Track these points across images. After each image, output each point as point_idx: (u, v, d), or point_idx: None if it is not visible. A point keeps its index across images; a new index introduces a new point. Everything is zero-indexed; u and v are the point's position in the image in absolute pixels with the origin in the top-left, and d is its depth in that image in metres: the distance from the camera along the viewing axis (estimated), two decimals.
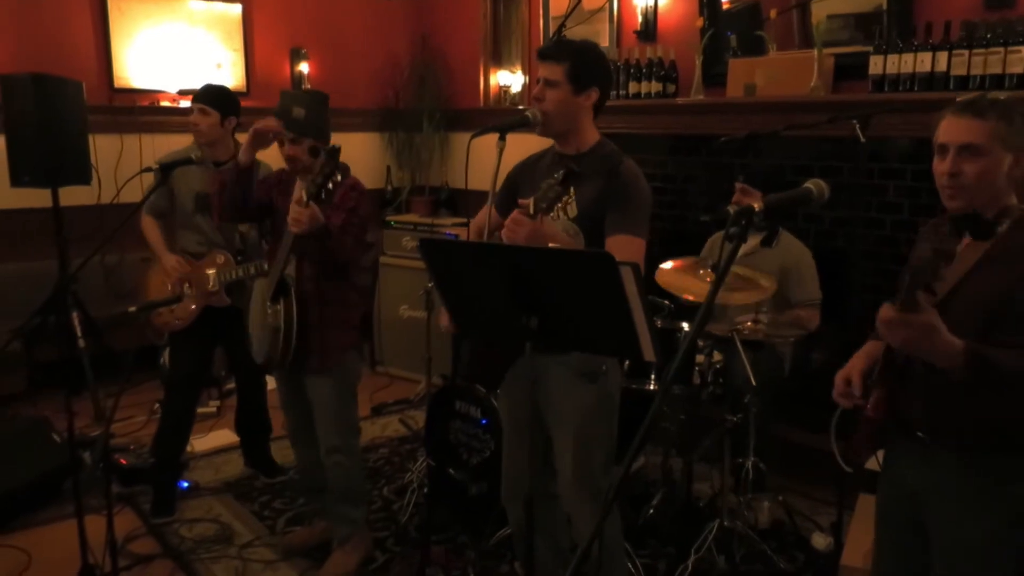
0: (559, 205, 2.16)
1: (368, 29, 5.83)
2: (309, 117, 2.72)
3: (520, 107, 5.34)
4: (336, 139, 2.90)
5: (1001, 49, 3.13)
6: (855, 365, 1.89)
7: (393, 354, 5.29)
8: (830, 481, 3.02)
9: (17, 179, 3.87)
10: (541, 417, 2.38)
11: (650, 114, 4.40)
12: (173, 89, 5.08)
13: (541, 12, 5.25)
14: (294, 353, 2.76)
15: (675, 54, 4.34)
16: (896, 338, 1.58)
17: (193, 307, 3.38)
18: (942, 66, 3.28)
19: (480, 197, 2.68)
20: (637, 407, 2.93)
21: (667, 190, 4.47)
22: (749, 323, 3.03)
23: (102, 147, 4.52)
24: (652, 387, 3.12)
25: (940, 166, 1.72)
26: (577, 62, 2.26)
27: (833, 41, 3.77)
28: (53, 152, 3.82)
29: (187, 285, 3.39)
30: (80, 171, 3.99)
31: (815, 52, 3.68)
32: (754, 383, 2.95)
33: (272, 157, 3.10)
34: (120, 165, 4.74)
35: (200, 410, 3.91)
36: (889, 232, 3.63)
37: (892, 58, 3.40)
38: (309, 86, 5.48)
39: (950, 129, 1.71)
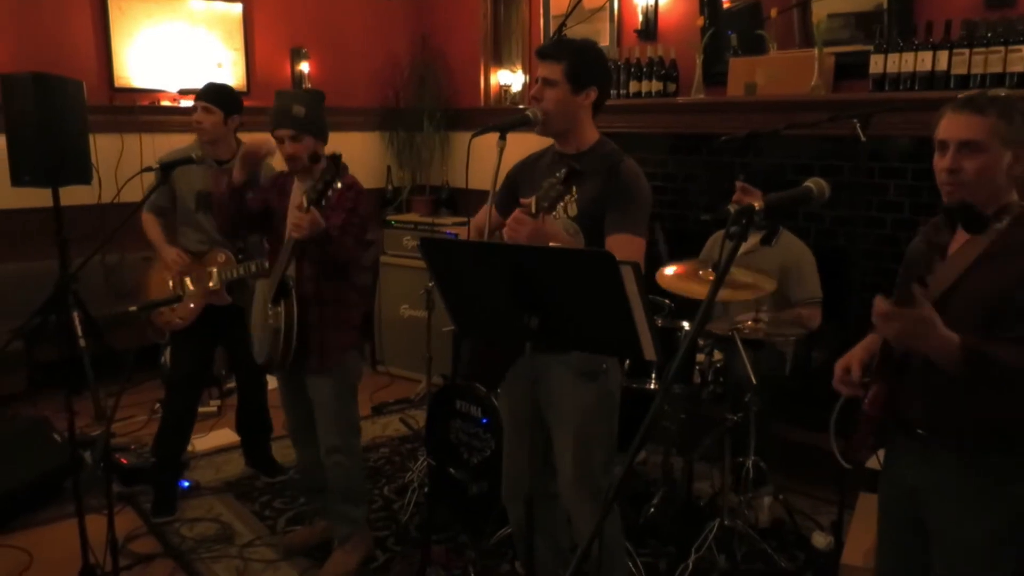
0: (561, 204, 2.16)
1: (368, 29, 5.83)
2: (309, 115, 2.73)
3: (520, 106, 5.34)
4: (336, 138, 2.91)
5: (1002, 48, 3.14)
6: (855, 354, 1.89)
7: (394, 353, 5.29)
8: (831, 480, 3.02)
9: (17, 179, 3.87)
10: (541, 416, 2.38)
11: (651, 113, 4.40)
12: (174, 89, 5.08)
13: (541, 11, 5.25)
14: (294, 353, 2.77)
15: (676, 53, 4.34)
16: (890, 331, 1.58)
17: (193, 306, 3.38)
18: (943, 65, 3.28)
19: (480, 196, 2.67)
20: (637, 406, 2.94)
21: (667, 189, 4.47)
22: (750, 322, 3.02)
23: (102, 147, 4.53)
24: (653, 386, 3.12)
25: (940, 162, 1.72)
26: (576, 61, 2.26)
27: (834, 40, 3.77)
28: (53, 152, 3.81)
29: (188, 280, 3.39)
30: (80, 171, 3.99)
31: (816, 51, 3.68)
32: (755, 382, 2.95)
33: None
34: (121, 165, 4.74)
35: (201, 409, 3.91)
36: (890, 231, 3.63)
37: (893, 57, 3.40)
38: (309, 85, 5.48)
39: (950, 125, 1.71)
